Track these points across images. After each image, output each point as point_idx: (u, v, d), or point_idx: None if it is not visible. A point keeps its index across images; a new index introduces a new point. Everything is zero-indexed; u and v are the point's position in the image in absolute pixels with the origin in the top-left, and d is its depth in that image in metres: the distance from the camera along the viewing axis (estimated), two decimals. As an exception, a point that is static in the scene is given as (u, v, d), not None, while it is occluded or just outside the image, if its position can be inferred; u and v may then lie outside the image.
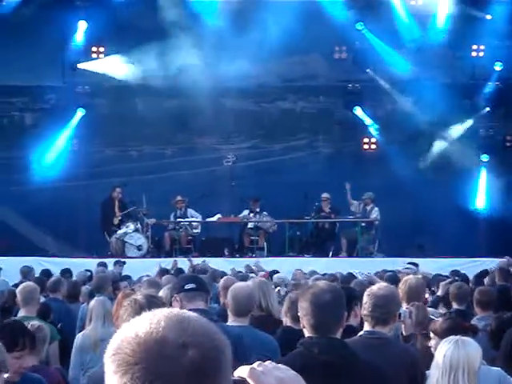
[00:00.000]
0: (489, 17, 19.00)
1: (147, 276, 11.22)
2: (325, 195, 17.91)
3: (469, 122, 19.68)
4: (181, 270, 12.31)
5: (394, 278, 8.86)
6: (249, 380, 1.51)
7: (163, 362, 1.43)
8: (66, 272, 12.36)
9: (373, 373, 3.71)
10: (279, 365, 1.57)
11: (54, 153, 19.21)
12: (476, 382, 4.45)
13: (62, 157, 19.28)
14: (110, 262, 14.76)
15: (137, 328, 1.47)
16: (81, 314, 8.46)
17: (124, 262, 14.61)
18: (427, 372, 4.60)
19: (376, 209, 17.81)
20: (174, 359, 1.43)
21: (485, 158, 19.52)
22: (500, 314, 6.33)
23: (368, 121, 19.72)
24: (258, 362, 1.56)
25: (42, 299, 8.08)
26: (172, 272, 12.01)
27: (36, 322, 5.56)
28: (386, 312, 4.51)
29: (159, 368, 1.42)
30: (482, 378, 4.57)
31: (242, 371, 1.51)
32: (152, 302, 3.73)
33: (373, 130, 19.80)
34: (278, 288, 8.77)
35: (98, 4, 18.80)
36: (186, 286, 4.65)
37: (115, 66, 19.33)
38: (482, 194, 19.43)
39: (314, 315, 3.65)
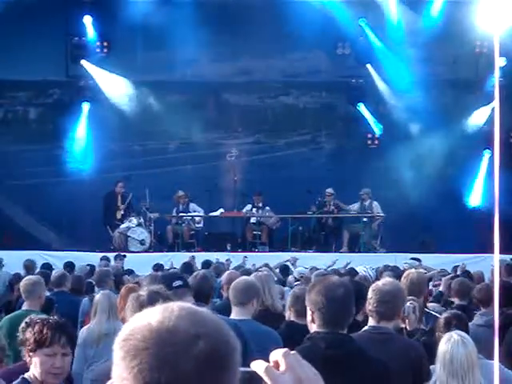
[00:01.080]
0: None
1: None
2: (329, 190, 17.91)
3: (472, 118, 19.66)
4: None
5: (395, 273, 8.86)
6: (264, 377, 1.50)
7: (173, 350, 1.43)
8: (68, 266, 12.37)
9: (379, 368, 3.73)
10: (303, 361, 1.55)
11: (57, 147, 19.23)
12: (480, 376, 4.48)
13: (66, 151, 19.32)
14: (112, 256, 14.79)
15: (149, 317, 1.49)
16: (82, 308, 8.48)
17: (124, 256, 14.64)
18: (432, 367, 4.62)
19: (375, 203, 17.83)
20: (184, 347, 1.44)
21: (487, 153, 19.49)
22: (504, 310, 6.33)
23: (369, 118, 19.72)
24: (284, 350, 1.54)
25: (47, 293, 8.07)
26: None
27: (36, 316, 5.56)
28: (391, 307, 4.52)
29: (168, 355, 1.43)
30: (481, 372, 4.59)
31: (258, 366, 1.50)
32: (155, 299, 3.73)
33: (375, 126, 19.79)
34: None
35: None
36: (174, 284, 4.67)
37: (119, 61, 19.31)
38: (479, 190, 19.39)
39: (327, 309, 3.65)
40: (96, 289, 9.11)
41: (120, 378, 1.46)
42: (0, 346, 4.42)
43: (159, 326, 1.46)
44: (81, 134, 19.43)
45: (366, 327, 4.59)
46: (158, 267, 12.39)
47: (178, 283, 4.65)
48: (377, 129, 19.84)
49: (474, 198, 19.36)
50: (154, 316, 1.48)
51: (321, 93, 19.98)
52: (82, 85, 19.48)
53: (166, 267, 12.59)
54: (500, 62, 19.21)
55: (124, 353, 1.46)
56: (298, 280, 9.48)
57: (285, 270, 12.23)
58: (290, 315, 5.87)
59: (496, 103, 19.32)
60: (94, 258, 14.45)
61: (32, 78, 19.17)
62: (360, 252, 17.05)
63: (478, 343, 4.88)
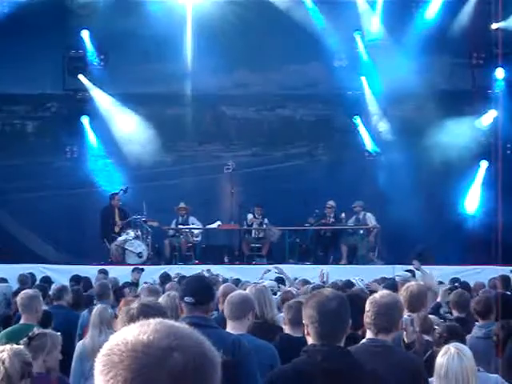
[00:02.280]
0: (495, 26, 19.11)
1: (147, 283, 11.25)
2: (330, 203, 17.90)
3: (469, 129, 19.70)
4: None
5: (392, 286, 8.85)
6: None
7: (147, 361, 1.44)
8: (74, 280, 12.33)
9: (375, 382, 3.71)
10: None
11: (55, 161, 19.24)
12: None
13: (63, 164, 19.33)
14: (110, 269, 14.77)
15: (127, 332, 1.52)
16: (81, 322, 8.46)
17: (142, 269, 14.60)
18: (430, 380, 4.61)
19: (369, 215, 17.84)
20: (157, 359, 1.44)
21: (484, 163, 19.54)
22: (504, 322, 6.32)
23: (364, 133, 19.77)
24: None
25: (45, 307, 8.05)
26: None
27: (35, 330, 5.55)
28: (388, 320, 4.50)
29: (142, 367, 1.44)
30: (480, 384, 4.59)
31: None
32: (145, 312, 3.72)
33: (369, 143, 19.83)
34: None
35: (99, 12, 18.83)
36: (186, 299, 4.67)
37: (116, 74, 19.35)
38: (475, 200, 19.41)
39: (320, 323, 3.65)
40: (96, 302, 9.09)
41: None
42: (25, 361, 4.40)
43: (135, 340, 1.48)
44: (76, 146, 19.44)
45: (363, 340, 4.59)
46: (164, 278, 12.34)
47: (189, 300, 4.63)
48: (370, 146, 19.87)
49: (469, 208, 19.35)
50: (132, 331, 1.51)
51: (317, 105, 20.01)
52: (79, 98, 19.53)
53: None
54: (499, 73, 19.35)
55: (102, 367, 1.49)
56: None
57: (280, 281, 12.17)
58: (285, 328, 5.87)
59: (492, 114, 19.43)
60: (91, 271, 14.43)
61: (29, 92, 19.20)
62: (358, 264, 17.04)
63: (477, 356, 4.87)
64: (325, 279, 11.42)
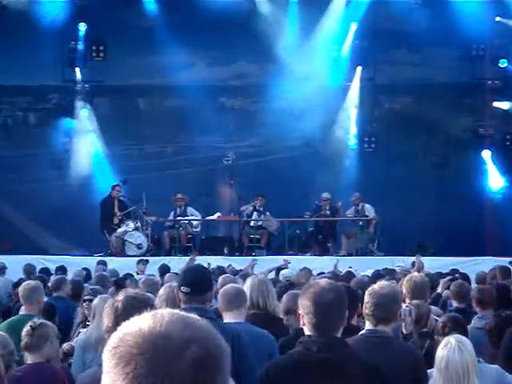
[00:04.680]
0: (498, 18, 19.08)
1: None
2: (325, 195, 17.93)
3: (468, 121, 19.71)
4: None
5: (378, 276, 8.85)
6: None
7: (167, 355, 1.44)
8: (60, 269, 12.31)
9: (371, 373, 3.71)
10: None
11: (56, 151, 19.25)
12: (476, 382, 4.47)
13: (64, 155, 19.35)
14: (109, 260, 14.78)
15: (139, 323, 1.49)
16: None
17: (147, 261, 14.60)
18: (430, 371, 4.62)
19: (367, 206, 17.85)
20: (177, 352, 1.44)
21: (487, 152, 19.57)
22: (499, 312, 6.33)
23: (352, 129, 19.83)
24: None
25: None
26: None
27: (37, 320, 5.57)
28: (387, 311, 4.51)
29: (163, 360, 1.43)
30: (480, 376, 4.59)
31: None
32: (131, 304, 3.66)
33: (352, 137, 19.86)
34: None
35: (98, 3, 18.81)
36: (182, 289, 4.66)
37: (115, 66, 19.33)
38: (494, 177, 19.39)
39: (315, 314, 3.64)
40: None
41: None
42: (9, 351, 4.40)
43: (151, 332, 1.46)
44: (76, 138, 19.46)
45: (362, 331, 4.60)
46: (163, 269, 12.34)
47: (185, 289, 4.62)
48: (353, 140, 19.91)
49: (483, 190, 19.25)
50: (145, 322, 1.49)
51: (318, 96, 19.95)
52: (78, 89, 19.52)
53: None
54: (500, 64, 19.34)
55: (116, 359, 1.45)
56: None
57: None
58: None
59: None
60: (90, 262, 14.44)
61: (31, 83, 19.20)
62: (358, 255, 17.06)
63: (478, 346, 4.88)
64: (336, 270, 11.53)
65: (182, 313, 1.53)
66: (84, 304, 7.39)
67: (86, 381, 3.78)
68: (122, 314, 3.59)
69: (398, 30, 18.64)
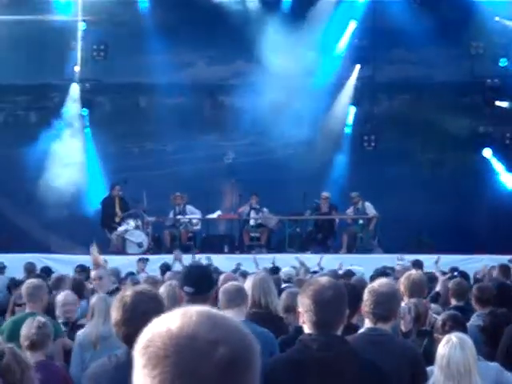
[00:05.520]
0: (497, 18, 19.11)
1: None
2: (324, 194, 17.95)
3: (467, 119, 19.74)
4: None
5: (384, 273, 8.88)
6: None
7: (194, 357, 1.42)
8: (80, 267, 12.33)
9: (370, 371, 3.72)
10: None
11: (56, 150, 19.27)
12: (477, 379, 4.50)
13: (64, 154, 19.38)
14: (108, 259, 14.76)
15: (168, 322, 1.48)
16: (80, 311, 8.47)
17: (147, 260, 14.61)
18: (429, 369, 4.65)
19: (367, 204, 17.86)
20: (204, 354, 1.42)
21: (487, 150, 19.60)
22: (493, 310, 6.35)
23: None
24: None
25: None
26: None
27: (41, 318, 5.61)
28: (387, 309, 4.52)
29: (190, 363, 1.42)
30: (480, 374, 4.62)
31: None
32: (139, 299, 3.73)
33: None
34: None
35: (100, 3, 18.84)
36: (185, 289, 4.67)
37: (116, 64, 19.36)
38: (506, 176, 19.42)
39: (315, 312, 3.64)
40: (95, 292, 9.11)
41: None
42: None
43: (179, 333, 1.45)
44: (81, 137, 19.52)
45: (362, 329, 4.62)
46: (165, 267, 12.36)
47: (188, 289, 4.63)
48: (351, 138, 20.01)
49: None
50: (173, 322, 1.47)
51: (316, 94, 19.96)
52: (79, 88, 19.55)
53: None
54: (501, 63, 19.37)
55: (145, 361, 1.45)
56: (286, 281, 9.48)
57: (274, 270, 12.22)
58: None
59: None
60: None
61: (32, 82, 19.21)
62: (358, 253, 17.08)
63: (477, 344, 4.90)
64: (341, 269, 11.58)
65: (213, 311, 1.51)
66: (16, 309, 7.20)
67: (92, 372, 3.81)
68: (131, 309, 3.66)
69: (396, 29, 18.65)
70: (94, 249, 8.07)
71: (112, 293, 7.61)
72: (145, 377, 1.44)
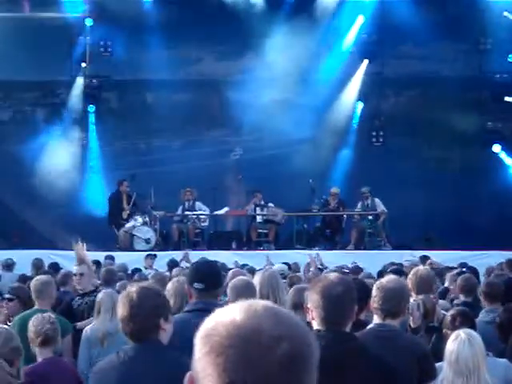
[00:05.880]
0: (506, 13, 19.05)
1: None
2: (334, 190, 17.92)
3: (476, 115, 19.69)
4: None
5: (398, 271, 8.86)
6: None
7: (258, 350, 1.44)
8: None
9: (380, 367, 3.71)
10: None
11: (63, 146, 19.32)
12: (486, 376, 4.49)
13: (73, 150, 19.42)
14: (117, 255, 14.81)
15: (232, 313, 1.49)
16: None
17: (155, 256, 14.61)
18: (438, 365, 4.63)
19: (377, 200, 17.83)
20: (268, 349, 1.44)
21: (497, 146, 19.57)
22: (509, 306, 6.33)
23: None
24: None
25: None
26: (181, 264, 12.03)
27: (50, 314, 5.62)
28: (395, 305, 4.52)
29: (253, 355, 1.44)
30: (488, 370, 4.61)
31: None
32: (145, 294, 3.74)
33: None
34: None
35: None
36: (195, 285, 4.67)
37: (123, 60, 19.38)
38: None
39: (324, 308, 3.64)
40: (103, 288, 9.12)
41: (203, 373, 1.47)
42: (14, 347, 4.42)
43: (244, 325, 1.47)
44: (84, 133, 19.56)
45: (371, 325, 4.61)
46: (172, 264, 12.36)
47: (198, 286, 4.62)
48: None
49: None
50: (238, 314, 1.49)
51: (324, 90, 19.94)
52: (86, 84, 19.59)
53: None
54: (509, 59, 19.31)
55: (209, 348, 1.46)
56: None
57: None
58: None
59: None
60: (99, 257, 14.46)
61: (39, 79, 19.25)
62: (366, 249, 17.06)
63: (486, 340, 4.89)
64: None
65: (276, 307, 1.53)
66: (4, 303, 7.16)
67: (100, 369, 3.82)
68: (137, 304, 3.67)
69: (405, 24, 18.60)
70: (77, 245, 8.07)
71: (90, 293, 7.51)
72: (207, 363, 1.46)
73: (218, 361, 1.44)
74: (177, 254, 15.06)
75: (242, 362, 1.43)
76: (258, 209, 17.87)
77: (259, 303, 1.52)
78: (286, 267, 10.73)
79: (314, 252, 14.06)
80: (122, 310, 3.72)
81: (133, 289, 3.81)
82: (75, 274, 7.78)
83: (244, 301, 1.54)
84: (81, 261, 7.80)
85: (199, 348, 1.48)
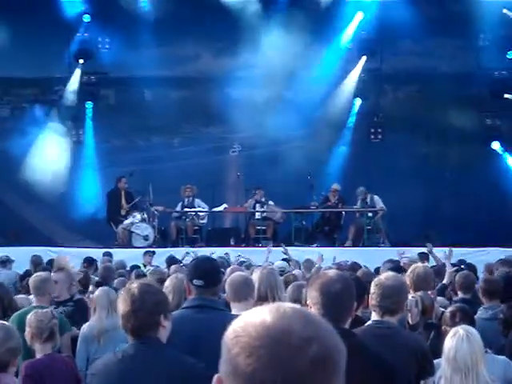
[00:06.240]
0: (505, 10, 19.05)
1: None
2: (334, 187, 17.91)
3: (474, 111, 19.69)
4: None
5: (397, 269, 8.86)
6: None
7: (288, 351, 1.45)
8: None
9: (378, 364, 3.71)
10: None
11: (61, 143, 19.30)
12: (485, 373, 4.49)
13: (70, 147, 19.41)
14: (115, 252, 14.81)
15: (262, 315, 1.50)
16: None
17: (154, 252, 14.61)
18: (436, 361, 4.63)
19: (376, 197, 17.83)
20: (298, 349, 1.45)
21: (496, 143, 19.57)
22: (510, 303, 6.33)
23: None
24: None
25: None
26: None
27: (50, 311, 5.62)
28: (394, 302, 4.51)
29: (284, 356, 1.45)
30: (488, 366, 4.61)
31: None
32: (146, 291, 3.75)
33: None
34: None
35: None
36: (195, 282, 4.67)
37: (121, 57, 19.35)
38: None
39: (323, 305, 3.64)
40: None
41: (233, 375, 1.47)
42: (11, 347, 4.37)
43: (274, 326, 1.47)
44: (82, 129, 19.55)
45: (369, 322, 4.61)
46: (171, 260, 12.36)
47: (198, 283, 4.62)
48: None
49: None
50: (268, 315, 1.50)
51: (322, 87, 19.93)
52: (84, 81, 19.56)
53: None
54: (508, 56, 19.30)
55: (238, 349, 1.47)
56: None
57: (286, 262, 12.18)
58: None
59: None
60: (97, 253, 14.47)
61: (37, 75, 19.22)
62: (364, 246, 17.06)
63: (485, 337, 4.89)
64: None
65: (305, 309, 1.55)
66: None
67: (99, 368, 3.82)
68: (139, 299, 3.69)
69: (403, 20, 18.58)
70: (60, 257, 8.08)
71: (65, 302, 7.23)
72: (237, 364, 1.47)
73: (249, 361, 1.45)
74: (175, 251, 15.08)
75: (272, 363, 1.44)
76: (257, 205, 17.86)
77: (287, 305, 1.53)
78: (286, 264, 10.72)
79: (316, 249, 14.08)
80: (123, 306, 3.72)
81: (134, 285, 3.83)
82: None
83: (271, 304, 1.54)
84: (59, 268, 7.72)
85: (228, 349, 1.48)
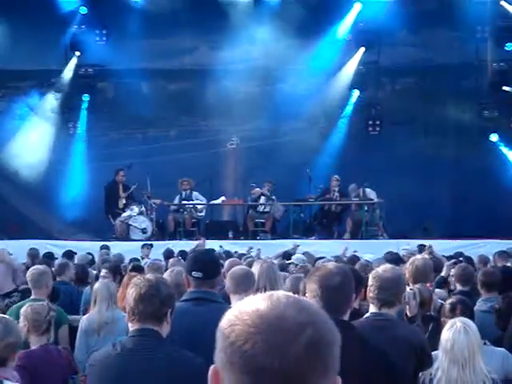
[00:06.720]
0: (503, 2, 19.02)
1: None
2: (335, 177, 17.89)
3: (473, 103, 19.68)
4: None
5: (396, 260, 8.87)
6: None
7: (284, 336, 1.47)
8: (67, 254, 12.24)
9: (377, 356, 3.71)
10: None
11: (59, 136, 19.27)
12: (482, 364, 4.49)
13: (67, 139, 19.38)
14: (112, 245, 14.80)
15: (256, 303, 1.52)
16: (84, 297, 8.50)
17: (151, 245, 14.60)
18: (433, 353, 4.63)
19: (369, 191, 17.82)
20: (293, 335, 1.47)
21: (494, 136, 19.59)
22: (507, 294, 6.33)
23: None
24: None
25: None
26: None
27: (46, 303, 5.62)
28: (392, 294, 4.52)
29: (280, 341, 1.46)
30: (485, 358, 4.61)
31: None
32: (162, 282, 3.82)
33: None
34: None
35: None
36: (194, 274, 4.67)
37: (118, 50, 19.30)
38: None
39: (322, 298, 3.64)
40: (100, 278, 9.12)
41: (229, 364, 1.48)
42: (10, 342, 4.34)
43: (268, 313, 1.50)
44: (79, 122, 19.52)
45: (367, 314, 4.61)
46: (169, 253, 12.35)
47: (197, 274, 4.64)
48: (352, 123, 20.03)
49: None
50: (262, 303, 1.52)
51: (319, 79, 19.90)
52: (81, 73, 19.51)
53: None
54: (507, 47, 19.28)
55: (234, 337, 1.48)
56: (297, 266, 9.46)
57: (287, 256, 12.20)
58: None
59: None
60: (94, 246, 14.47)
61: (34, 68, 19.17)
62: (362, 239, 17.06)
63: (483, 329, 4.89)
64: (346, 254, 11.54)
65: (297, 296, 1.56)
66: None
67: (98, 359, 3.82)
68: (154, 286, 3.73)
69: (401, 12, 18.56)
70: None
71: (10, 294, 7.16)
72: (233, 352, 1.48)
73: (245, 348, 1.46)
74: (173, 244, 15.07)
75: (269, 348, 1.46)
76: (263, 198, 17.82)
77: (280, 292, 1.55)
78: (304, 257, 10.68)
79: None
80: (136, 291, 3.74)
81: (149, 276, 3.92)
82: None
83: (265, 293, 1.56)
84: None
85: (223, 338, 1.50)
